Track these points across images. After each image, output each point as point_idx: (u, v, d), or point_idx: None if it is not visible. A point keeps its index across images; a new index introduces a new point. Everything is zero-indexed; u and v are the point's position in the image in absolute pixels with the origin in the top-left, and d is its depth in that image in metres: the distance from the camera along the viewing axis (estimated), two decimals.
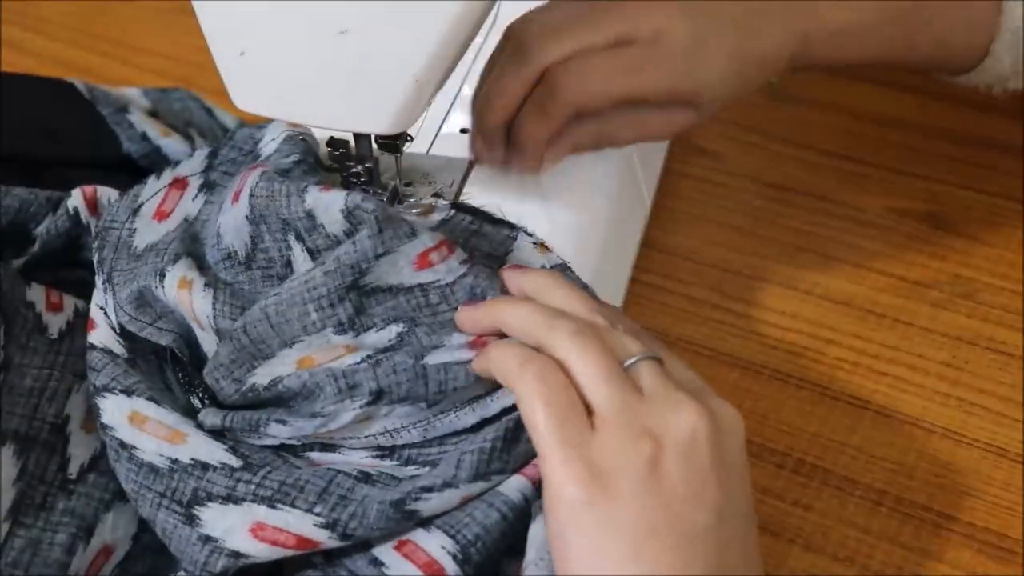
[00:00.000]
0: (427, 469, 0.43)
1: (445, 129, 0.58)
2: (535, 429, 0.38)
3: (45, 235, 0.53)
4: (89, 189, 0.53)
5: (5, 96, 0.60)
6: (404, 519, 0.40)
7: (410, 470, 0.43)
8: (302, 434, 0.43)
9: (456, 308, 0.44)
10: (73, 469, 0.45)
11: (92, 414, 0.46)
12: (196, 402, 0.47)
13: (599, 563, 0.36)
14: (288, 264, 0.46)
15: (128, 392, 0.45)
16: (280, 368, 0.44)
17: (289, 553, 0.40)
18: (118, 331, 0.48)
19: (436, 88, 0.44)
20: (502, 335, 0.42)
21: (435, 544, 0.40)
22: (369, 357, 0.43)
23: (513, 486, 0.40)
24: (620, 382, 0.38)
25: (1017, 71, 0.57)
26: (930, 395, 0.54)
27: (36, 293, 0.48)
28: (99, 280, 0.50)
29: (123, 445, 0.44)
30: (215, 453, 0.43)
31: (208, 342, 0.47)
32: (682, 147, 0.69)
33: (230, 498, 0.42)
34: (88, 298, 0.51)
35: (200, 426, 0.45)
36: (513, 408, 0.41)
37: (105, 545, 0.44)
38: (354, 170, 0.51)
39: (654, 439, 0.37)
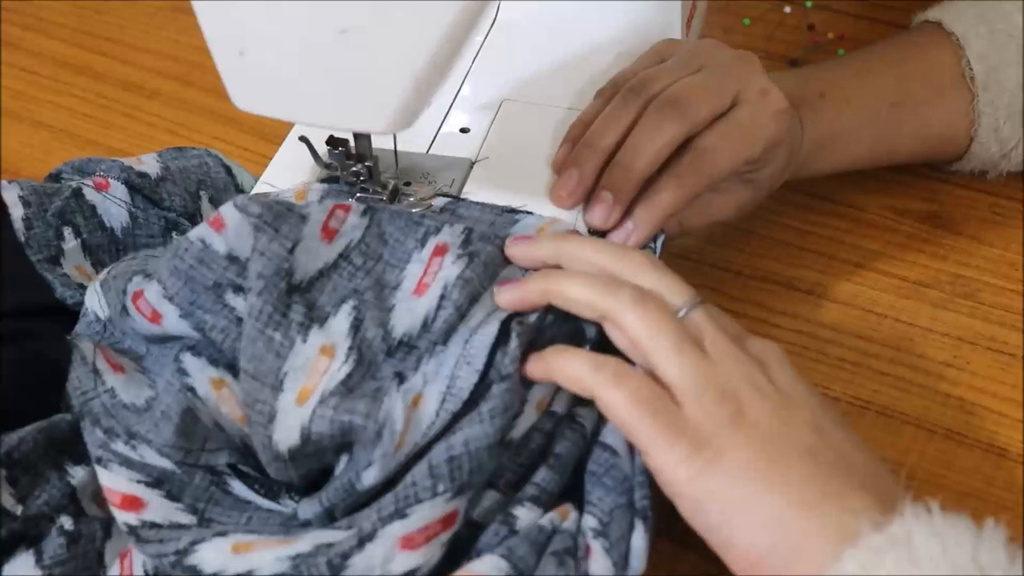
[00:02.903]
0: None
1: (445, 129, 0.57)
2: (631, 429, 0.41)
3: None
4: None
5: None
6: None
7: None
8: (396, 462, 0.41)
9: (379, 258, 0.45)
10: None
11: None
12: (287, 503, 0.45)
13: (747, 507, 0.39)
14: (240, 321, 0.44)
15: (223, 533, 0.42)
16: (292, 419, 0.42)
17: None
18: (168, 496, 0.44)
19: (436, 88, 0.44)
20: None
21: None
22: (350, 348, 0.43)
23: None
24: (687, 348, 0.41)
25: (1006, 153, 0.61)
26: (931, 395, 0.54)
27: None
28: (113, 461, 0.44)
29: None
30: (331, 535, 0.41)
31: None
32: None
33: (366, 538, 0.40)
34: None
35: (306, 522, 0.43)
36: None
37: None
38: (354, 169, 0.51)
39: (730, 396, 0.41)
